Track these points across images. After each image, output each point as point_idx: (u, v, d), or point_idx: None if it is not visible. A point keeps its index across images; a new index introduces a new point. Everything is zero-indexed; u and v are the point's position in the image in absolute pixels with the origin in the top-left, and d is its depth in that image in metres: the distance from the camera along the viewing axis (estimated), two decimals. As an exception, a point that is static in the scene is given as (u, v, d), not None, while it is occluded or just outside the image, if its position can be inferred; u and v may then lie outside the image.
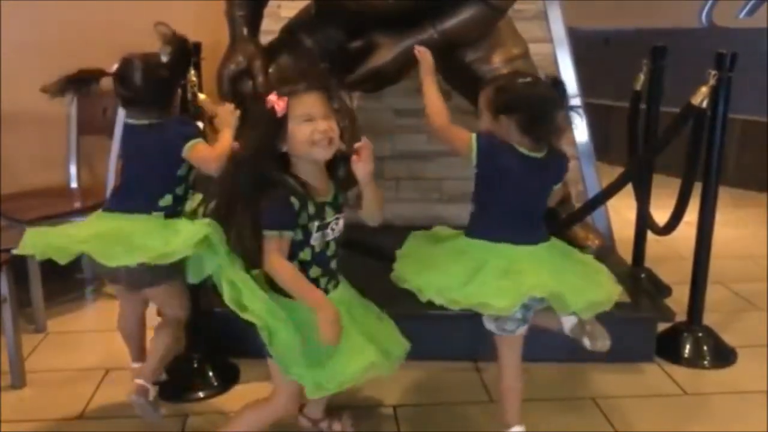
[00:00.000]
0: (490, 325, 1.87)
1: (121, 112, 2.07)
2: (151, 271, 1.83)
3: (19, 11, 3.06)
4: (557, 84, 1.84)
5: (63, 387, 2.33)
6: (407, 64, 2.42)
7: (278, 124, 1.67)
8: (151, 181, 1.92)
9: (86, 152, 3.19)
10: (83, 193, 3.11)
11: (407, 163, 3.25)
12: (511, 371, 1.89)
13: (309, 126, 1.67)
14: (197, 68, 2.50)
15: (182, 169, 1.93)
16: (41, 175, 3.16)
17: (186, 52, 2.01)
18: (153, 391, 1.99)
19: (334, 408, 2.02)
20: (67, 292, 3.07)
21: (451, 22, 2.37)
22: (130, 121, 1.98)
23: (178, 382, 2.23)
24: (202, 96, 2.43)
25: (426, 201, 3.29)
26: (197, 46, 2.82)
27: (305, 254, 1.72)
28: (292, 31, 2.62)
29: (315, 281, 1.73)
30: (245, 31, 2.50)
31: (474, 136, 1.81)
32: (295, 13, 2.70)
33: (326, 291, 1.75)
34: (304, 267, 1.72)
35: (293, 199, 1.66)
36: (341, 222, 1.77)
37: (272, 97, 1.68)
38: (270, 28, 2.73)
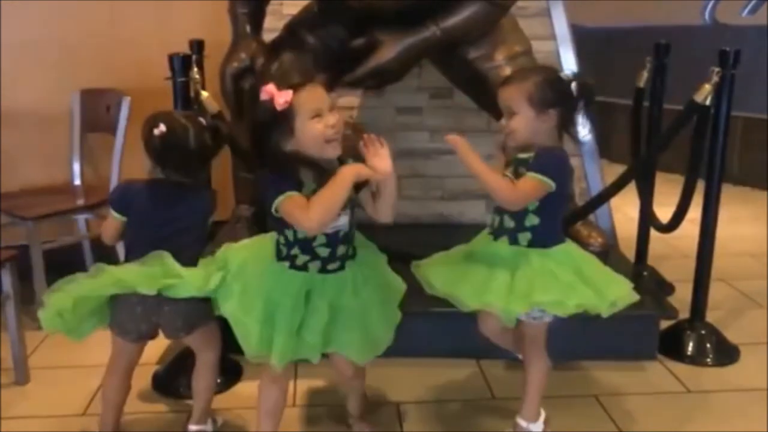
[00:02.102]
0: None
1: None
2: (195, 311, 1.85)
3: (21, 10, 3.06)
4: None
5: (66, 384, 2.34)
6: (409, 62, 2.43)
7: (282, 121, 1.62)
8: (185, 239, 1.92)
9: (90, 150, 3.19)
10: (87, 190, 3.12)
11: (409, 160, 3.24)
12: (533, 362, 1.92)
13: (320, 122, 1.62)
14: (200, 66, 2.51)
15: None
16: (45, 173, 3.16)
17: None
18: (211, 426, 2.02)
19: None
20: (71, 290, 3.07)
21: (453, 20, 2.37)
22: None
23: (181, 379, 2.23)
24: (205, 93, 2.43)
25: (428, 199, 3.29)
26: (200, 44, 2.83)
27: (289, 233, 1.71)
28: (294, 28, 2.62)
29: (293, 258, 1.72)
30: (248, 28, 2.50)
31: (541, 177, 1.76)
32: (297, 10, 2.71)
33: (306, 268, 1.72)
34: (287, 245, 1.71)
35: (302, 171, 1.65)
36: (342, 219, 1.70)
37: (269, 88, 1.61)
38: (272, 26, 2.73)
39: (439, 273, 1.91)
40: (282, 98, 1.60)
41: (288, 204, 1.62)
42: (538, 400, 1.95)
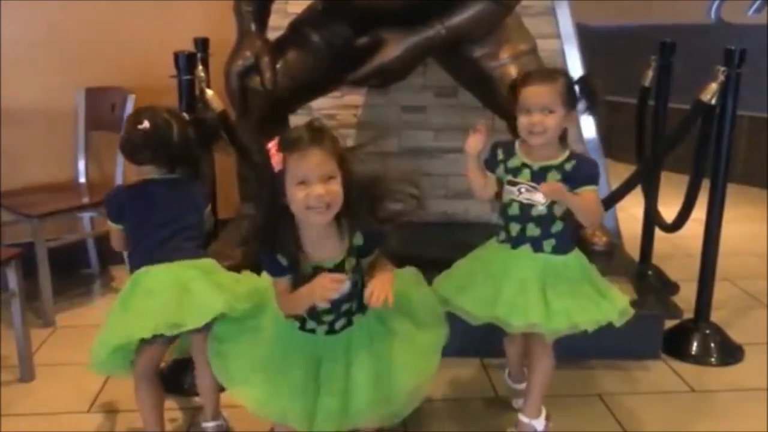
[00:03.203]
0: None
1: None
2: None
3: (26, 8, 3.07)
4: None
5: (71, 381, 2.34)
6: (414, 61, 2.42)
7: (277, 178, 1.56)
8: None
9: (94, 148, 3.20)
10: (91, 188, 3.12)
11: (413, 159, 3.24)
12: (542, 359, 1.93)
13: (303, 190, 1.52)
14: (205, 64, 2.51)
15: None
16: (49, 171, 3.17)
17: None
18: (226, 424, 2.04)
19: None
20: (76, 287, 3.08)
21: (458, 18, 2.37)
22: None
23: (185, 376, 2.23)
24: (209, 92, 2.44)
25: (432, 197, 3.28)
26: (205, 42, 2.84)
27: None
28: (299, 27, 2.62)
29: (302, 320, 1.69)
30: (253, 27, 2.50)
31: (596, 188, 1.85)
32: (302, 9, 2.70)
33: (314, 331, 1.69)
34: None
35: (280, 257, 1.60)
36: (345, 288, 1.63)
37: (271, 145, 1.57)
38: (277, 24, 2.73)
39: (466, 296, 1.89)
40: (276, 162, 1.55)
41: (272, 282, 1.67)
42: (541, 397, 1.96)
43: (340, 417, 1.65)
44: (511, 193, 1.89)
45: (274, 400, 1.67)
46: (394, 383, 1.69)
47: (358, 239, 1.64)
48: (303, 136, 1.54)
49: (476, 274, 1.91)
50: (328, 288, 1.56)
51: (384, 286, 1.58)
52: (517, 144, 1.91)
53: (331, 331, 1.69)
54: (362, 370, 1.67)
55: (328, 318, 1.68)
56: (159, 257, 1.86)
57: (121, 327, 1.81)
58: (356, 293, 1.68)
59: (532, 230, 1.86)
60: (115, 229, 1.94)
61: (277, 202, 1.57)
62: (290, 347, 1.70)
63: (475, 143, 1.88)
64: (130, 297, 1.84)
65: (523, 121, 1.83)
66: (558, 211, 1.85)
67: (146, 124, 1.85)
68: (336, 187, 1.54)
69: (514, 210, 1.88)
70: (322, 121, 1.62)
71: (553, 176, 1.83)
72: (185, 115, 1.92)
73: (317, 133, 1.55)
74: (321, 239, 1.61)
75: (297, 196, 1.53)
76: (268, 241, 1.59)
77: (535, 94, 1.82)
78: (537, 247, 1.87)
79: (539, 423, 1.96)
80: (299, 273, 1.62)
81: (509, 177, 1.89)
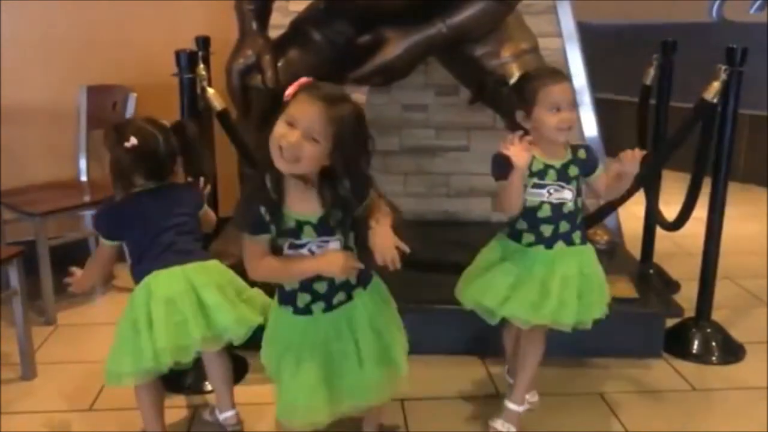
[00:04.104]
0: None
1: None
2: None
3: (27, 7, 3.07)
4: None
5: (73, 379, 2.35)
6: (416, 59, 2.42)
7: (278, 108, 1.53)
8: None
9: (96, 146, 3.19)
10: (93, 186, 3.13)
11: (415, 157, 3.24)
12: (538, 346, 1.96)
13: (285, 128, 1.49)
14: (206, 63, 2.51)
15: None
16: (51, 169, 3.17)
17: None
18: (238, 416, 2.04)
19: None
20: (77, 285, 3.08)
21: (460, 17, 2.37)
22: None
23: (187, 374, 2.24)
24: (210, 90, 2.44)
25: (433, 196, 3.29)
26: (206, 41, 2.84)
27: None
28: (300, 25, 2.62)
29: (292, 297, 1.65)
30: (254, 25, 2.50)
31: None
32: (303, 7, 2.70)
33: (310, 311, 1.65)
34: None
35: (262, 208, 1.55)
36: (332, 245, 1.60)
37: (297, 85, 1.54)
38: (279, 23, 2.73)
39: (514, 303, 1.89)
40: (290, 89, 1.54)
41: (246, 245, 1.60)
42: (530, 383, 2.02)
43: (357, 396, 1.66)
44: (539, 195, 1.90)
45: (295, 402, 1.64)
46: (395, 358, 1.71)
47: (344, 189, 1.57)
48: (323, 89, 1.53)
49: (519, 281, 1.90)
50: (347, 266, 1.55)
51: (385, 241, 1.55)
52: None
53: (329, 308, 1.65)
54: (369, 347, 1.65)
55: (321, 288, 1.63)
56: (167, 262, 1.83)
57: (148, 348, 1.77)
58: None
59: (564, 227, 1.91)
60: (108, 246, 1.89)
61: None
62: (293, 339, 1.65)
63: (527, 156, 1.80)
64: (147, 310, 1.79)
65: (552, 119, 1.84)
66: (580, 202, 1.93)
67: (133, 140, 1.78)
68: (313, 150, 1.49)
69: (546, 212, 1.89)
70: (350, 95, 1.58)
71: (573, 170, 1.91)
72: (165, 122, 1.89)
73: (334, 96, 1.52)
74: (303, 192, 1.57)
75: (276, 131, 1.50)
76: (257, 185, 1.56)
77: (562, 90, 1.86)
78: (569, 241, 1.93)
79: (522, 408, 2.01)
80: (280, 228, 1.56)
81: (534, 180, 1.89)
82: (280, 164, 1.52)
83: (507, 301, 1.89)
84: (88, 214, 3.15)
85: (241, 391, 2.11)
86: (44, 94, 3.15)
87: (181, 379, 2.24)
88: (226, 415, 2.01)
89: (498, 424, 2.00)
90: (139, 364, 1.78)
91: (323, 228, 1.59)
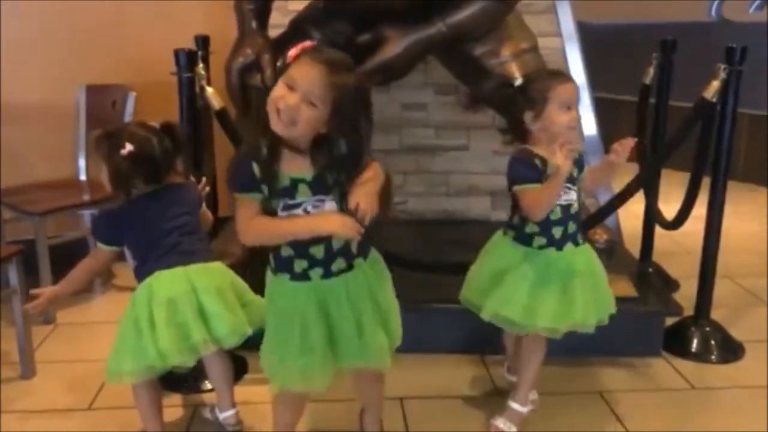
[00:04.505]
0: None
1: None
2: None
3: (26, 5, 3.07)
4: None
5: (72, 378, 2.34)
6: (415, 58, 2.42)
7: (281, 69, 1.51)
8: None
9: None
10: (92, 185, 3.12)
11: (414, 156, 3.25)
12: (541, 347, 1.98)
13: (284, 91, 1.47)
14: (206, 62, 2.51)
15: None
16: (50, 168, 3.17)
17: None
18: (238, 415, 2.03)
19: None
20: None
21: (459, 16, 2.37)
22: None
23: (186, 373, 2.24)
24: (210, 89, 2.44)
25: (433, 195, 3.29)
26: (206, 40, 2.84)
27: None
28: (300, 24, 2.62)
29: (289, 263, 1.60)
30: (254, 24, 2.50)
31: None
32: (303, 7, 2.70)
33: (308, 277, 1.60)
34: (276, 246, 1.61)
35: (254, 165, 1.51)
36: (327, 205, 1.57)
37: (299, 48, 1.50)
38: (278, 22, 2.73)
39: (543, 314, 1.88)
40: (293, 51, 1.50)
41: (237, 208, 1.56)
42: (534, 383, 2.02)
43: (357, 358, 1.64)
44: None
45: (292, 364, 1.62)
46: (393, 330, 1.71)
47: (338, 150, 1.53)
48: (327, 54, 1.50)
49: (538, 286, 1.89)
50: (347, 223, 1.49)
51: (368, 197, 1.51)
52: (534, 150, 1.90)
53: (328, 274, 1.60)
54: (369, 315, 1.64)
55: (318, 253, 1.58)
56: (170, 263, 1.83)
57: (151, 347, 1.77)
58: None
59: (572, 228, 1.93)
60: (107, 251, 1.88)
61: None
62: (290, 304, 1.62)
63: (570, 163, 1.80)
64: (148, 309, 1.79)
65: (564, 117, 1.84)
66: (581, 202, 1.95)
67: (129, 146, 1.78)
68: (310, 115, 1.47)
69: (557, 214, 1.89)
70: (352, 65, 1.54)
71: (574, 170, 1.90)
72: (155, 125, 1.88)
73: (337, 62, 1.50)
74: (295, 158, 1.54)
75: (276, 92, 1.48)
76: (246, 151, 1.53)
77: (572, 89, 1.87)
78: (575, 241, 1.94)
79: (526, 408, 2.01)
80: (274, 187, 1.53)
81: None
82: (276, 126, 1.48)
83: (532, 313, 1.87)
84: (88, 214, 3.15)
85: (240, 391, 2.11)
86: (44, 93, 3.15)
87: (179, 378, 2.24)
88: (225, 415, 2.02)
89: (500, 422, 2.00)
90: (141, 362, 1.78)
91: (318, 186, 1.55)
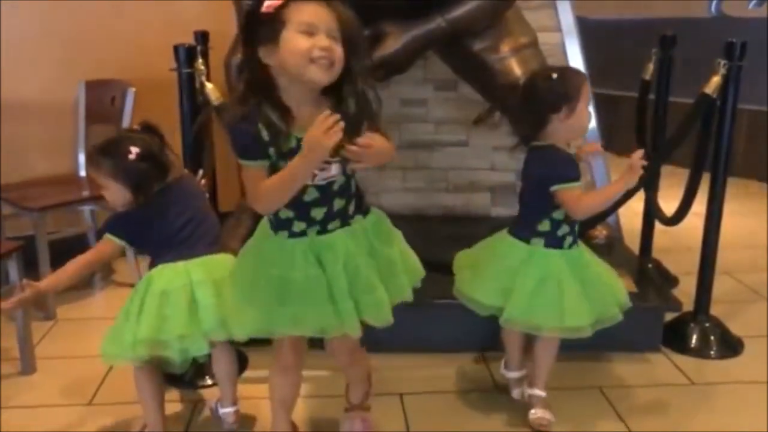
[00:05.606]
0: None
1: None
2: None
3: (23, 2, 3.06)
4: None
5: (72, 373, 2.35)
6: (415, 54, 2.42)
7: (268, 28, 1.43)
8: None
9: (95, 141, 3.18)
10: (92, 181, 3.10)
11: (414, 152, 3.24)
12: (548, 343, 2.00)
13: (308, 39, 1.42)
14: (205, 57, 2.51)
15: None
16: (50, 164, 3.17)
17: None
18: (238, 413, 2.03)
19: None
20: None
21: (459, 12, 2.37)
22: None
23: (188, 369, 2.24)
24: (209, 85, 2.43)
25: (433, 190, 3.29)
26: (205, 35, 2.83)
27: None
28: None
29: (288, 224, 1.59)
30: (253, 20, 2.49)
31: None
32: (303, 2, 2.70)
33: (305, 234, 1.59)
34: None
35: (261, 128, 1.47)
36: (334, 168, 1.55)
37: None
38: (278, 17, 2.73)
39: (571, 318, 1.90)
40: (267, 6, 1.44)
41: (245, 175, 1.53)
42: (550, 371, 2.05)
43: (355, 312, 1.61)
44: None
45: (280, 310, 1.59)
46: (412, 264, 1.72)
47: (350, 105, 1.51)
48: None
49: (564, 293, 1.89)
50: (328, 125, 1.40)
51: (368, 140, 1.49)
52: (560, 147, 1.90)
53: (324, 231, 1.59)
54: (365, 271, 1.61)
55: (319, 213, 1.57)
56: (180, 255, 1.85)
57: (129, 336, 1.80)
58: (349, 189, 1.60)
59: (576, 228, 1.95)
60: (115, 243, 1.88)
61: (258, 62, 1.46)
62: (282, 256, 1.60)
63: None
64: (141, 300, 1.83)
65: (588, 114, 1.87)
66: None
67: (135, 149, 1.81)
68: (340, 48, 1.45)
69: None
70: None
71: None
72: (135, 127, 1.92)
73: None
74: (307, 105, 1.50)
75: (300, 45, 1.42)
76: (249, 113, 1.47)
77: (587, 91, 1.88)
78: (575, 242, 1.97)
79: (544, 392, 2.05)
80: (280, 149, 1.49)
81: None
82: (317, 76, 1.44)
83: (565, 314, 1.88)
84: (87, 209, 3.16)
85: (242, 385, 2.11)
86: (43, 89, 3.15)
87: (180, 374, 2.24)
88: (225, 411, 2.02)
89: (540, 412, 2.01)
90: (119, 348, 1.82)
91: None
